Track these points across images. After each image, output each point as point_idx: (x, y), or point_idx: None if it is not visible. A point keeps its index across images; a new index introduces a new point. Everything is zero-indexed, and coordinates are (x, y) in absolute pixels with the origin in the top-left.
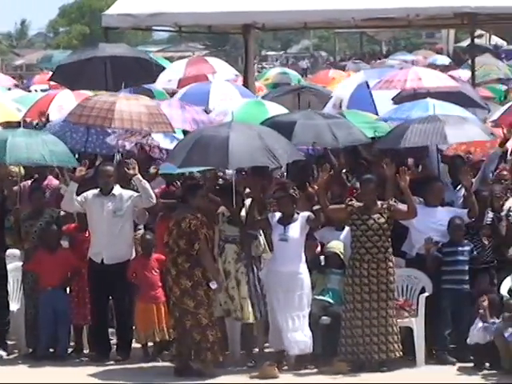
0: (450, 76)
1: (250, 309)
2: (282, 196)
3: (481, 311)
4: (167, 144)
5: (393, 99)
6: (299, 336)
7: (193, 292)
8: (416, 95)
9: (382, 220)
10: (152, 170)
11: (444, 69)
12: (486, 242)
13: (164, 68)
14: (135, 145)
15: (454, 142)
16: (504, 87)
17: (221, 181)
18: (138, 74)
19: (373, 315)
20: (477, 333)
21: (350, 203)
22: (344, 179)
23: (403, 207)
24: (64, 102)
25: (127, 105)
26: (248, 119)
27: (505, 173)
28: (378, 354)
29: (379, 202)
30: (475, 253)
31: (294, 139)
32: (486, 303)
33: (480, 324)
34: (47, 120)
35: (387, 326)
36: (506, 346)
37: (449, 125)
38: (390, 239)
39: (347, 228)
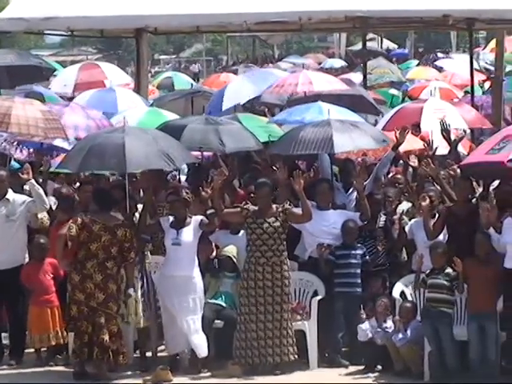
0: (346, 79)
1: (144, 313)
2: (174, 200)
3: (368, 313)
4: (66, 146)
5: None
6: (196, 339)
7: (117, 296)
8: (308, 98)
9: (277, 223)
10: (44, 168)
11: (336, 72)
12: (379, 245)
13: (54, 69)
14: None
15: (340, 152)
16: (395, 91)
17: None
18: (29, 76)
19: (267, 318)
20: (362, 332)
21: (244, 207)
22: (233, 184)
23: (298, 211)
24: None
25: (23, 109)
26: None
27: (399, 176)
28: (272, 356)
29: (274, 206)
30: (367, 256)
31: (182, 144)
32: (382, 307)
33: (366, 325)
34: None
35: (282, 329)
36: (396, 350)
37: (337, 132)
38: (285, 243)
39: (242, 231)
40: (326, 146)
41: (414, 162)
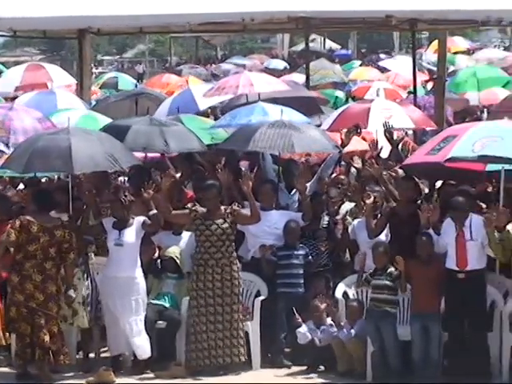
0: (291, 82)
1: (87, 314)
2: (113, 200)
3: (317, 314)
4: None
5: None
6: (138, 340)
7: (57, 297)
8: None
9: (226, 225)
10: None
11: (280, 73)
12: (322, 246)
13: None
14: None
15: (300, 152)
16: (340, 92)
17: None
18: None
19: (217, 319)
20: (301, 335)
21: (193, 208)
22: (181, 185)
23: (246, 212)
24: None
25: None
26: None
27: (342, 177)
28: (223, 358)
29: (222, 207)
30: (310, 257)
31: (125, 145)
32: (323, 306)
33: (304, 327)
34: None
35: (232, 330)
36: (342, 348)
37: (296, 133)
38: (233, 244)
39: (186, 232)
40: (287, 146)
41: (358, 162)
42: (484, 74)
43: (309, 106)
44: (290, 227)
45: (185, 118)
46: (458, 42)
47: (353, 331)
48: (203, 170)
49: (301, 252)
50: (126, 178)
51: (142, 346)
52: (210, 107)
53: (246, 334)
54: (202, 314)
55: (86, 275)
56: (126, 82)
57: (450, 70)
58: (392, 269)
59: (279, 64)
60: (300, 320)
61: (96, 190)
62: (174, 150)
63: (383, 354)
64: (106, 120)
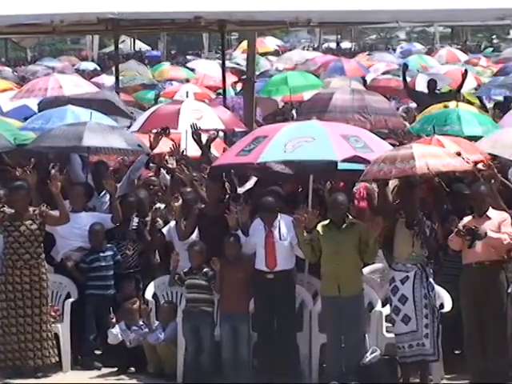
0: (95, 83)
1: None
2: None
3: (128, 315)
4: None
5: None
6: None
7: None
8: (57, 101)
9: (35, 226)
10: None
11: (90, 75)
12: (132, 247)
13: None
14: None
15: (89, 144)
16: (152, 95)
17: None
18: None
19: (27, 322)
20: (112, 336)
21: (1, 209)
22: None
23: (55, 213)
24: None
25: None
26: None
27: (153, 178)
28: (33, 360)
29: (31, 209)
30: (120, 257)
31: None
32: (135, 307)
33: (116, 328)
34: None
35: (41, 332)
36: (152, 349)
37: (90, 131)
38: (42, 245)
39: None
40: (75, 139)
41: (172, 163)
42: (295, 80)
43: (112, 108)
44: (93, 230)
45: None
46: (267, 43)
47: (163, 334)
48: (11, 171)
49: (108, 253)
50: None
51: None
52: None
53: (57, 336)
54: (11, 316)
55: None
56: None
57: (257, 73)
58: (207, 268)
59: (89, 65)
60: (114, 320)
61: None
62: None
63: (197, 354)
64: None
